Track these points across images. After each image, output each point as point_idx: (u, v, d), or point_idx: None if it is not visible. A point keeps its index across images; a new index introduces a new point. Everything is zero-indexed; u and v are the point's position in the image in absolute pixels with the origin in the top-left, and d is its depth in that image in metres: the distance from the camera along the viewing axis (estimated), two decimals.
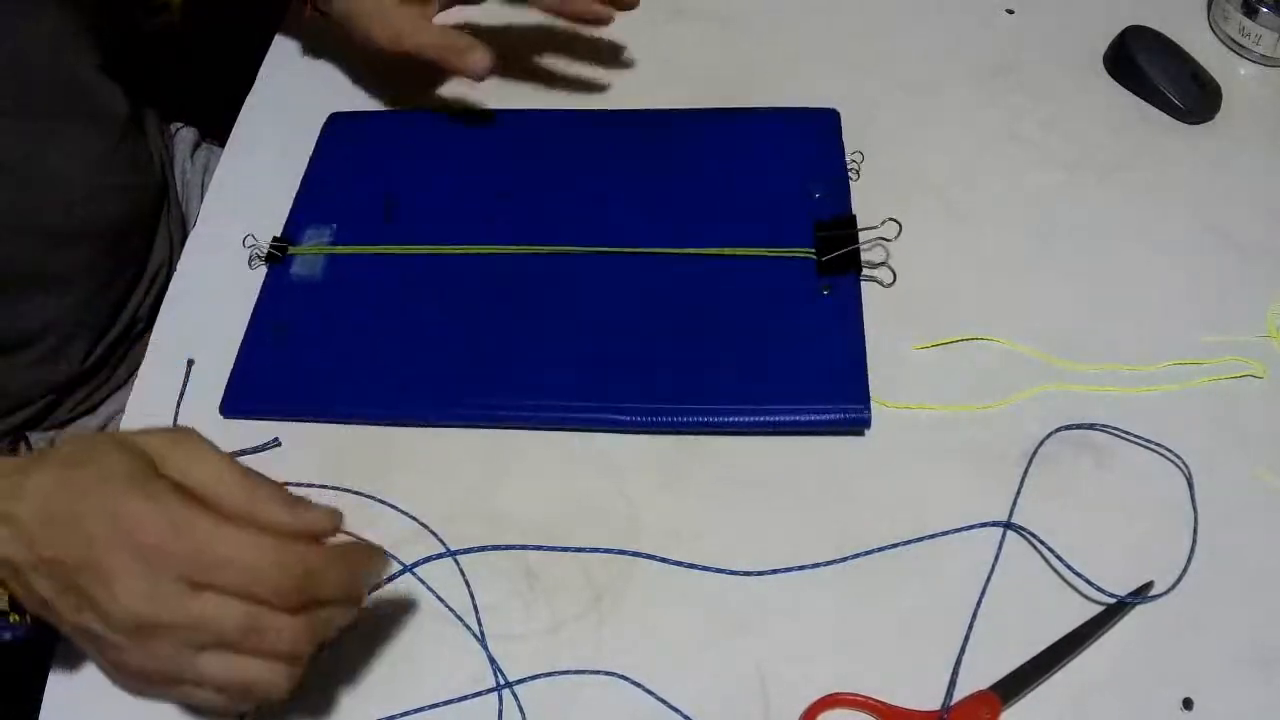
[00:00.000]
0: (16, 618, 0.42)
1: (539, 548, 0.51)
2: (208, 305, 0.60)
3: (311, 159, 0.65)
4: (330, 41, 0.74)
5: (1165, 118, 0.67)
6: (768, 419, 0.53)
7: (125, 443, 0.41)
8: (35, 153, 0.61)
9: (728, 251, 0.59)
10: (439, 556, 0.51)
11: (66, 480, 0.40)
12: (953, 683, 0.46)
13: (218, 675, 0.39)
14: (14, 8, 0.58)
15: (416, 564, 0.50)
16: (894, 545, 0.50)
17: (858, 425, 0.53)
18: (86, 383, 0.68)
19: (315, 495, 0.52)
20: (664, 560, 0.50)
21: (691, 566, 0.50)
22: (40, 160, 0.62)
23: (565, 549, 0.51)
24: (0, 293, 0.61)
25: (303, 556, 0.39)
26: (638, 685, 0.47)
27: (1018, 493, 0.52)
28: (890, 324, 0.57)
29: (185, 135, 0.80)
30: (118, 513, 0.38)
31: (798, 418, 0.53)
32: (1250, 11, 0.68)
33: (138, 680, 0.41)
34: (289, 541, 0.39)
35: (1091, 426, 0.54)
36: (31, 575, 0.40)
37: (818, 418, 0.53)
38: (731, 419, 0.53)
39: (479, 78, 0.61)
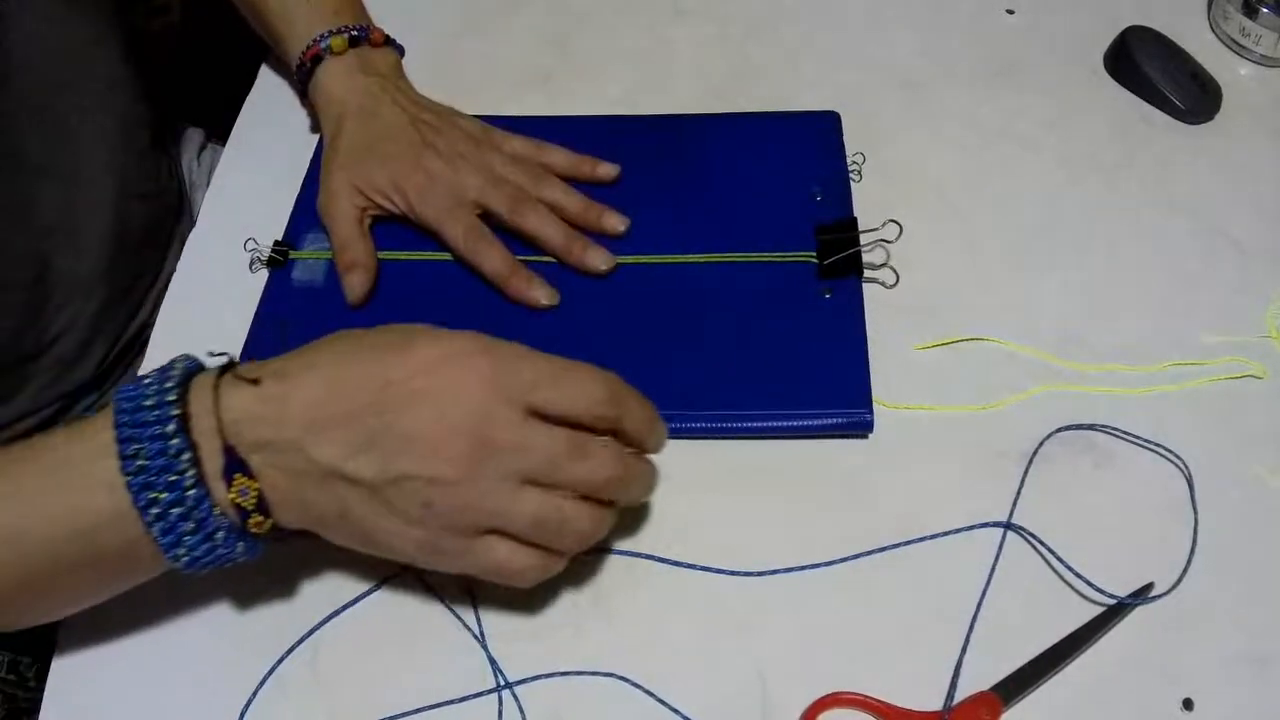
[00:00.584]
0: (260, 519, 0.41)
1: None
2: (208, 308, 0.60)
3: (312, 161, 0.65)
4: None
5: (1165, 118, 0.67)
6: (770, 424, 0.53)
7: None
8: (69, 155, 0.62)
9: (729, 256, 0.59)
10: None
11: (346, 347, 0.42)
12: (953, 683, 0.46)
13: (537, 512, 0.41)
14: (41, 10, 0.58)
15: None
16: (894, 545, 0.50)
17: (860, 429, 0.53)
18: (96, 389, 0.69)
19: None
20: (665, 561, 0.50)
21: (692, 567, 0.50)
22: (74, 162, 0.62)
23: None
24: (32, 296, 0.61)
25: (609, 378, 0.43)
26: (637, 686, 0.47)
27: (1018, 493, 0.52)
28: (891, 324, 0.57)
29: (191, 136, 0.80)
30: (422, 347, 0.41)
31: (800, 422, 0.53)
32: (1250, 11, 0.68)
33: (443, 532, 0.41)
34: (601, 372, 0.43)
35: (1091, 427, 0.54)
36: (312, 443, 0.40)
37: (820, 422, 0.53)
38: (734, 424, 0.53)
39: (353, 301, 0.58)
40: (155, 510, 0.40)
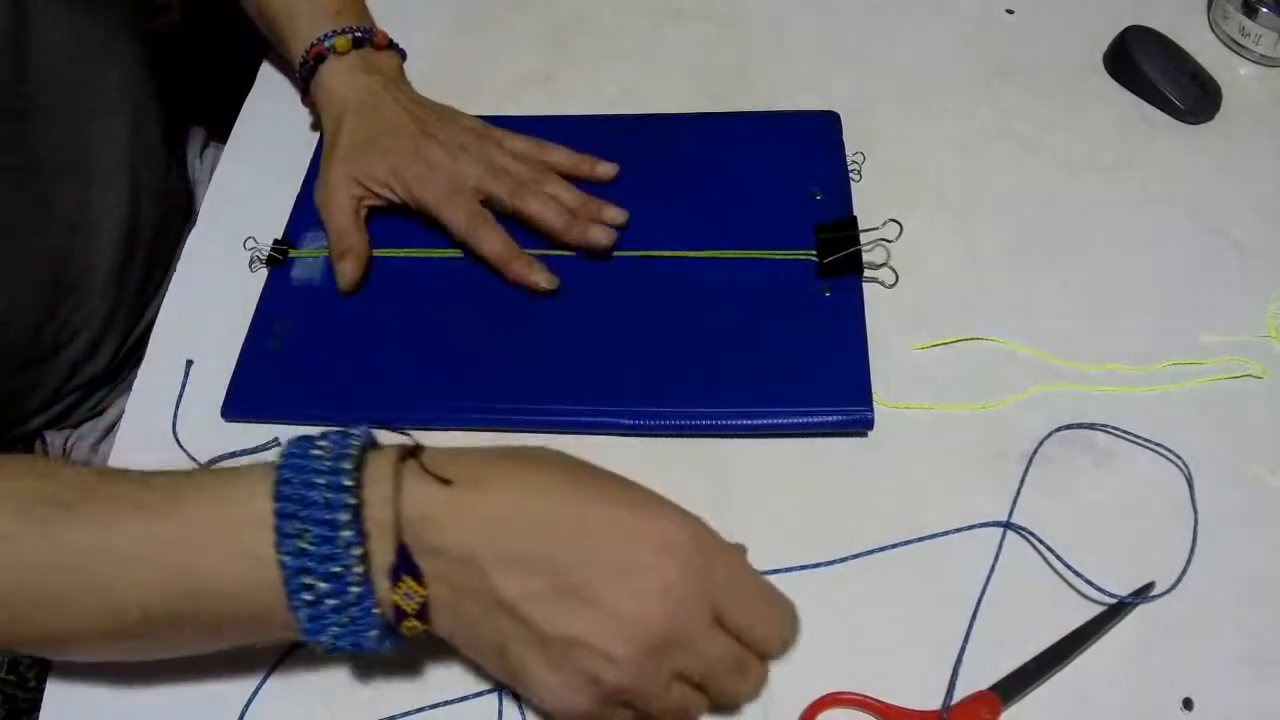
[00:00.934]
0: (414, 624, 0.39)
1: None
2: (208, 306, 0.60)
3: (312, 161, 0.65)
4: None
5: (1165, 118, 0.67)
6: (770, 421, 0.53)
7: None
8: (85, 153, 0.62)
9: (729, 254, 0.59)
10: None
11: (554, 477, 0.40)
12: (953, 683, 0.46)
13: (680, 702, 0.40)
14: (57, 9, 0.58)
15: None
16: (894, 545, 0.50)
17: (860, 427, 0.53)
18: (103, 385, 0.69)
19: None
20: None
21: None
22: (90, 161, 0.62)
23: None
24: (51, 295, 0.61)
25: (794, 615, 0.43)
26: None
27: (1018, 493, 0.52)
28: (890, 324, 0.57)
29: (193, 135, 0.80)
30: (640, 514, 0.39)
31: (800, 420, 0.53)
32: (1250, 11, 0.68)
33: (592, 703, 0.39)
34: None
35: (1091, 426, 0.54)
36: (496, 569, 0.37)
37: (820, 420, 0.53)
38: (733, 422, 0.53)
39: (344, 287, 0.58)
40: (308, 596, 0.37)
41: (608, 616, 0.37)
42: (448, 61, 0.72)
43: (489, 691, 0.47)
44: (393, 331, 0.57)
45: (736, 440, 0.54)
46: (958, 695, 0.46)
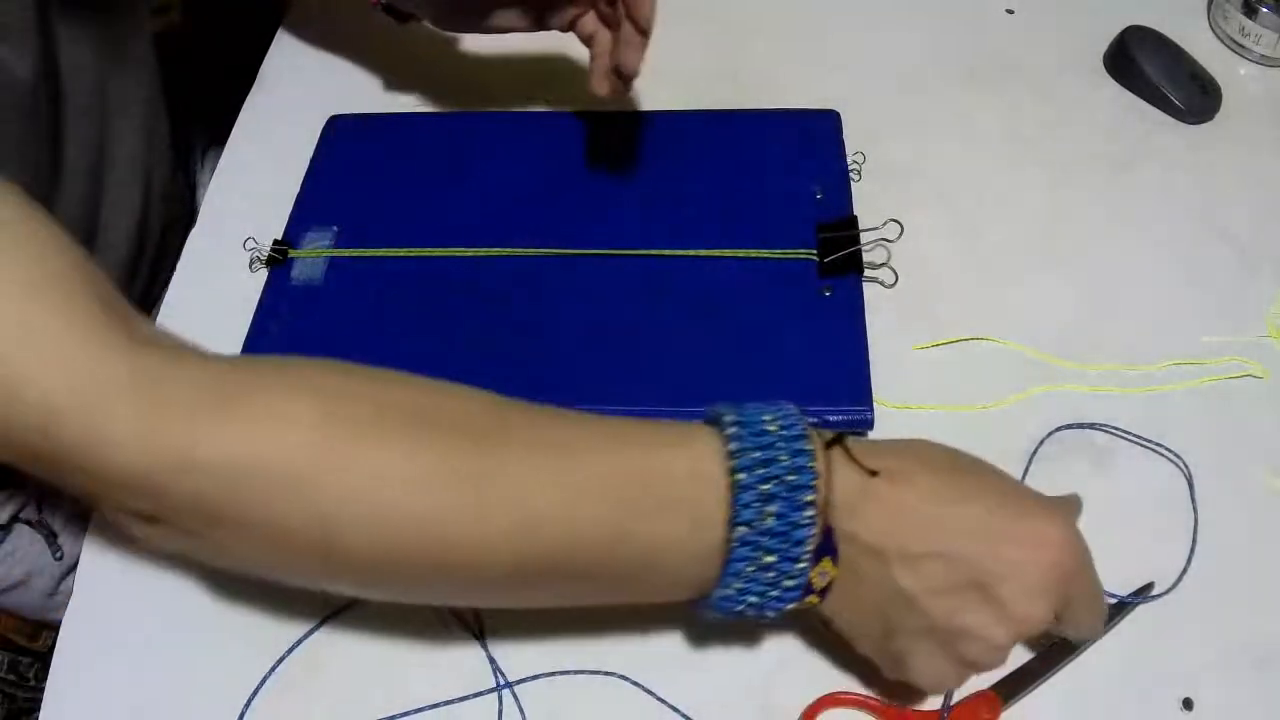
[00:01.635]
0: (814, 600, 0.40)
1: None
2: (208, 307, 0.60)
3: (312, 161, 0.65)
4: (331, 42, 0.74)
5: (1165, 118, 0.67)
6: None
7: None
8: (107, 155, 0.61)
9: (729, 253, 0.59)
10: None
11: (965, 479, 0.41)
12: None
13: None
14: (85, 10, 0.58)
15: None
16: None
17: (860, 427, 0.53)
18: None
19: None
20: None
21: None
22: (110, 162, 0.62)
23: None
24: None
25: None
26: (638, 685, 0.47)
27: None
28: (890, 324, 0.57)
29: (196, 137, 0.80)
30: (1036, 520, 0.40)
31: None
32: (1250, 11, 0.68)
33: (962, 672, 0.42)
34: None
35: (1092, 426, 0.54)
36: (901, 564, 0.39)
37: (820, 419, 0.53)
38: None
39: (616, 87, 0.54)
40: (749, 568, 0.38)
41: (999, 610, 0.39)
42: (448, 60, 0.72)
43: (489, 691, 0.47)
44: (394, 332, 0.57)
45: None
46: (958, 695, 0.46)
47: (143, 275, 0.67)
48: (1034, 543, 0.40)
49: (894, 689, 0.45)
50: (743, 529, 0.38)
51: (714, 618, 0.41)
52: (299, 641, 0.48)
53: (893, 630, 0.41)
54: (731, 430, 0.39)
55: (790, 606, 0.40)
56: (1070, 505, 0.43)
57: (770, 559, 0.38)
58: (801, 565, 0.39)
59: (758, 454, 0.38)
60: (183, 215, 0.72)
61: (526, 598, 0.43)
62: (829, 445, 0.40)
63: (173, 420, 0.35)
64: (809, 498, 0.38)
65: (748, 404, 0.41)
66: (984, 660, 0.41)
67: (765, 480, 0.38)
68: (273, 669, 0.48)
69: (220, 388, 0.36)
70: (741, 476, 0.38)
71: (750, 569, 0.38)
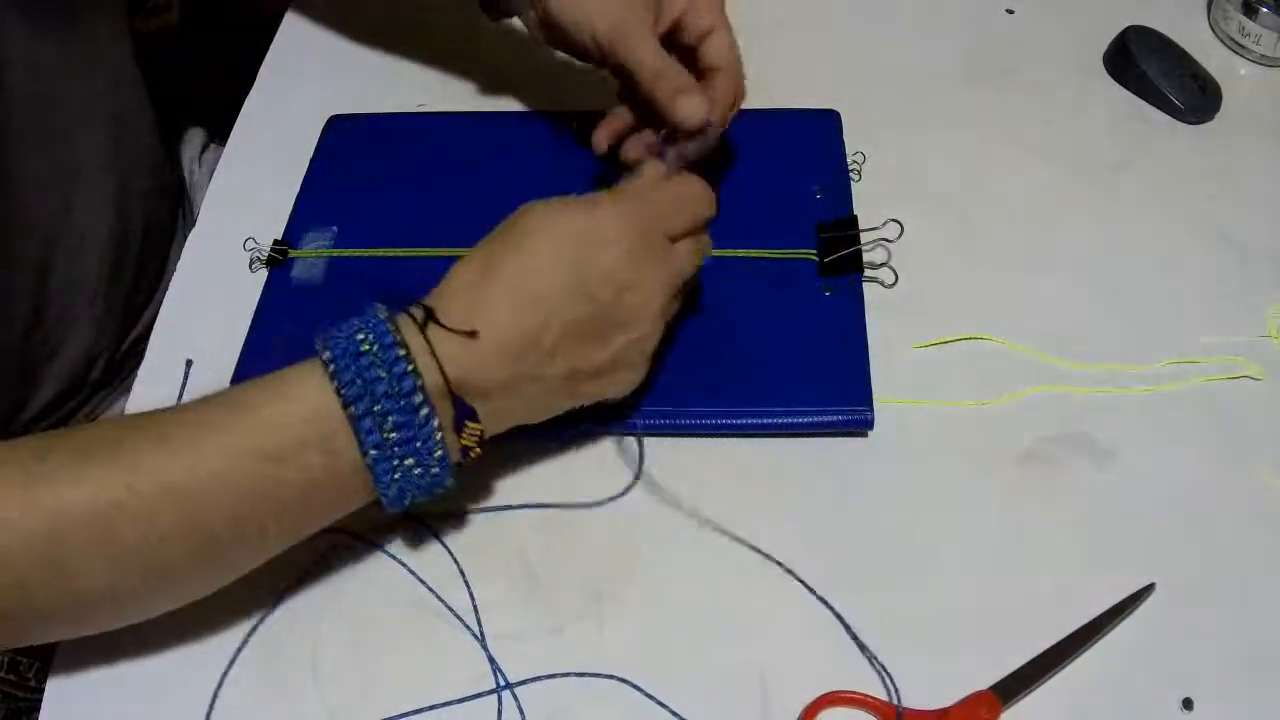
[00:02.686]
0: (478, 451, 0.44)
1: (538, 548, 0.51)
2: (208, 307, 0.60)
3: (312, 161, 0.65)
4: (331, 42, 0.74)
5: (1165, 118, 0.67)
6: (769, 421, 0.53)
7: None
8: (67, 160, 0.61)
9: (729, 253, 0.59)
10: (439, 557, 0.51)
11: (518, 264, 0.45)
12: (953, 682, 0.46)
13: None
14: (34, 17, 0.58)
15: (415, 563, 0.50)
16: (893, 544, 0.50)
17: (860, 427, 0.53)
18: (100, 389, 0.69)
19: None
20: (664, 561, 0.50)
21: (692, 566, 0.50)
22: (72, 166, 0.62)
23: (566, 549, 0.51)
24: (36, 302, 0.61)
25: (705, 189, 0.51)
26: (637, 688, 0.47)
27: (1017, 493, 0.52)
28: (890, 323, 0.57)
29: (192, 136, 0.80)
30: (586, 233, 0.46)
31: (800, 420, 0.53)
32: (1250, 11, 0.68)
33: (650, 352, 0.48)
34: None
35: (1091, 426, 0.54)
36: (539, 372, 0.45)
37: (820, 420, 0.53)
38: (733, 421, 0.53)
39: (686, 128, 0.54)
40: (394, 475, 0.43)
41: (630, 317, 0.46)
42: (448, 60, 0.72)
43: (489, 692, 0.47)
44: None
45: (736, 439, 0.54)
46: (958, 695, 0.46)
47: (125, 280, 0.67)
48: (595, 255, 0.45)
49: None
50: (374, 452, 0.42)
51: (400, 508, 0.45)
52: (300, 641, 0.48)
53: (574, 396, 0.47)
54: (331, 367, 0.42)
55: (454, 468, 0.44)
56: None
57: (409, 461, 0.42)
58: (438, 452, 0.43)
59: (359, 383, 0.42)
60: (170, 216, 0.72)
61: (240, 556, 0.45)
62: (423, 326, 0.43)
63: None
64: (419, 400, 0.42)
65: (340, 325, 0.44)
66: (651, 348, 0.48)
67: (375, 402, 0.42)
68: (273, 669, 0.48)
69: None
70: (352, 409, 0.42)
71: (397, 475, 0.43)
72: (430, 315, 0.43)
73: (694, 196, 0.50)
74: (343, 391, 0.42)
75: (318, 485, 0.43)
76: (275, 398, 0.43)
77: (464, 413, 0.43)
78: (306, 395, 0.42)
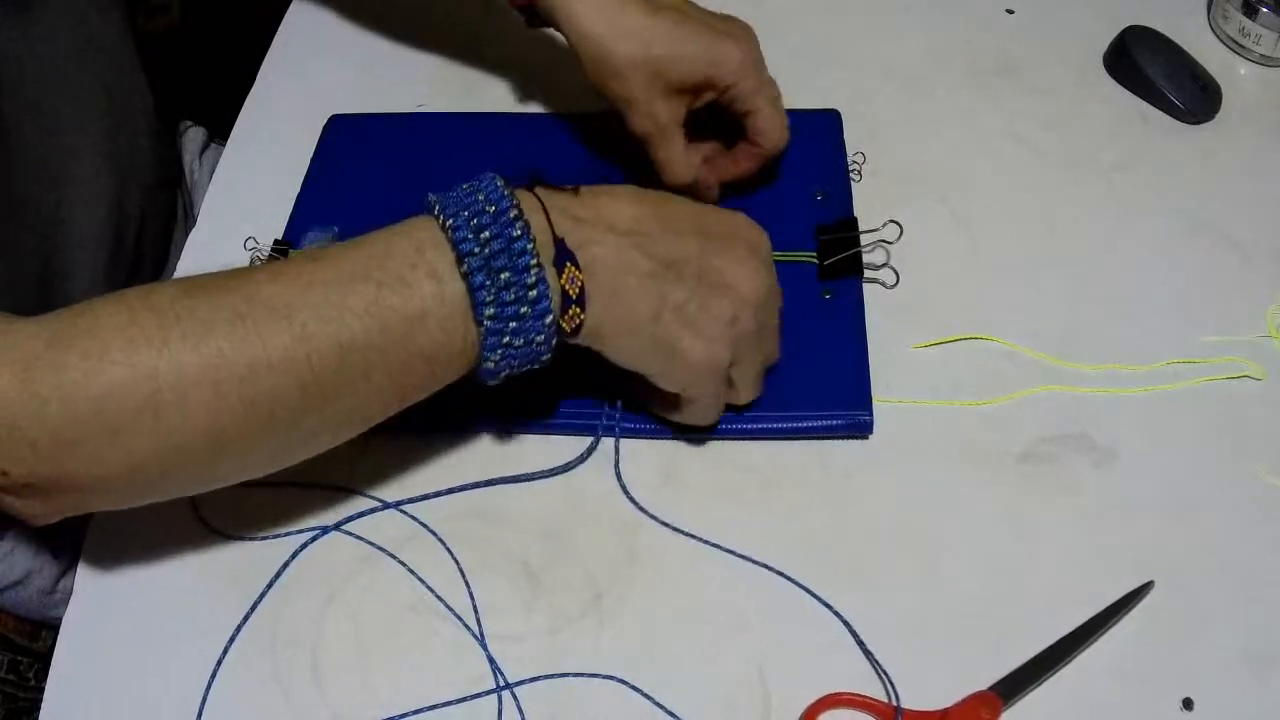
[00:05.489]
0: (577, 311, 0.44)
1: (540, 548, 0.51)
2: None
3: (312, 161, 0.65)
4: (331, 42, 0.74)
5: (1165, 118, 0.67)
6: (769, 425, 0.53)
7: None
8: (65, 151, 0.61)
9: None
10: (439, 557, 0.51)
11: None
12: (953, 682, 0.46)
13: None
14: (26, 16, 0.58)
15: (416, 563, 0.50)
16: (893, 545, 0.50)
17: (860, 431, 0.53)
18: None
19: (318, 497, 0.52)
20: (664, 562, 0.50)
21: (691, 567, 0.50)
22: (68, 161, 0.62)
23: (566, 550, 0.51)
24: (36, 291, 0.61)
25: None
26: (636, 689, 0.47)
27: (1017, 493, 0.52)
28: (889, 322, 0.57)
29: (194, 135, 0.80)
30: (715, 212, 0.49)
31: (799, 424, 0.53)
32: (1250, 11, 0.68)
33: (730, 348, 0.47)
34: None
35: (1091, 426, 0.54)
36: (647, 241, 0.45)
37: (820, 424, 0.53)
38: (732, 425, 0.53)
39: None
40: (491, 292, 0.42)
41: (739, 266, 0.47)
42: (448, 60, 0.72)
43: (489, 692, 0.47)
44: None
45: (735, 441, 0.54)
46: (958, 695, 0.46)
47: (123, 272, 0.67)
48: (726, 223, 0.49)
49: None
50: (470, 259, 0.42)
51: (504, 373, 0.45)
52: (300, 642, 0.48)
53: (659, 310, 0.45)
54: (437, 206, 0.44)
55: (552, 321, 0.43)
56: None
57: (505, 275, 0.42)
58: (534, 268, 0.42)
59: (461, 210, 0.43)
60: (169, 213, 0.72)
61: (356, 409, 0.45)
62: (532, 185, 0.45)
63: (13, 372, 0.40)
64: (512, 214, 0.43)
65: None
66: (745, 322, 0.47)
67: (473, 216, 0.43)
68: (273, 669, 0.48)
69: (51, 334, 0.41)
70: (450, 221, 0.43)
71: (490, 295, 0.42)
72: (539, 178, 0.45)
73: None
74: (444, 216, 0.43)
75: (421, 316, 0.42)
76: (386, 234, 0.44)
77: (563, 253, 0.43)
78: (414, 229, 0.44)
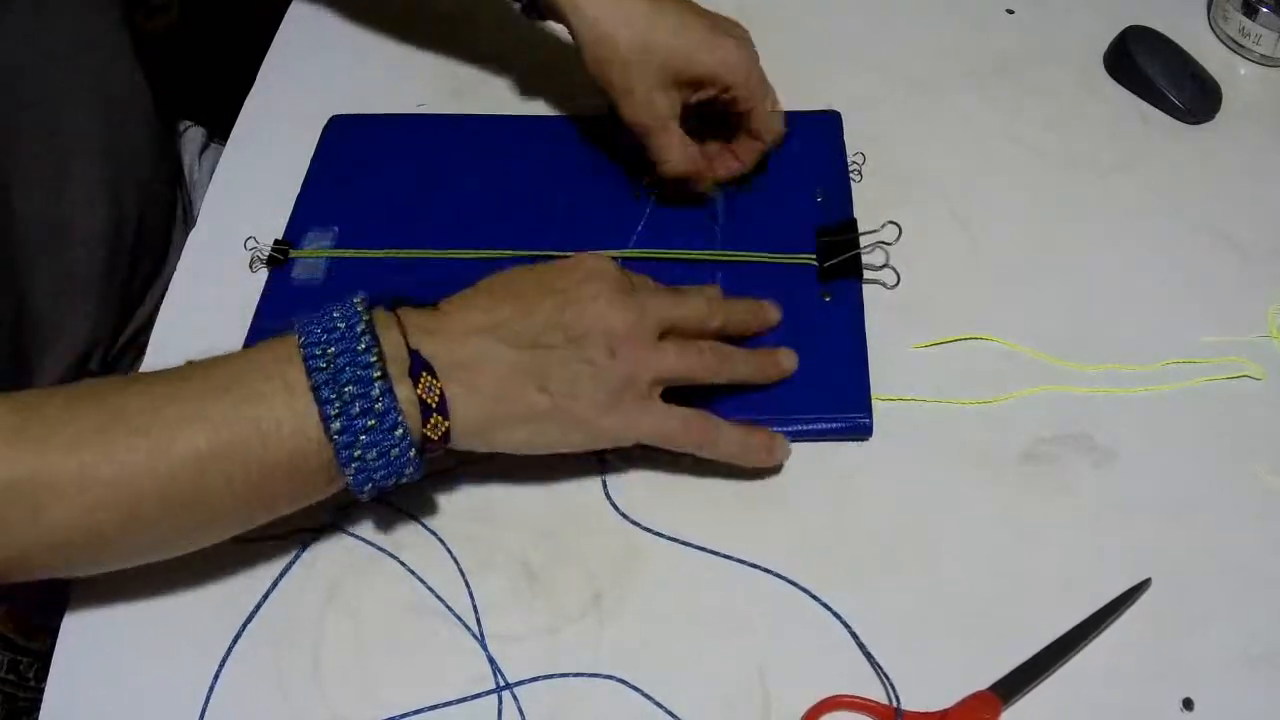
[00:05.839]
0: (439, 419, 0.44)
1: (538, 548, 0.51)
2: (208, 307, 0.60)
3: (313, 161, 0.65)
4: (331, 42, 0.74)
5: (1165, 118, 0.67)
6: (769, 427, 0.53)
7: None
8: (63, 149, 0.61)
9: (728, 256, 0.59)
10: (439, 557, 0.51)
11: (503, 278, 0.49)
12: (953, 682, 0.46)
13: (680, 350, 0.49)
14: (15, 17, 0.58)
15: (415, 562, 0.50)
16: (893, 545, 0.50)
17: (859, 433, 0.53)
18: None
19: None
20: (664, 563, 0.50)
21: (692, 567, 0.50)
22: (67, 157, 0.62)
23: (566, 550, 0.51)
24: (33, 291, 0.61)
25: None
26: (637, 689, 0.47)
27: (1017, 493, 0.52)
28: (889, 322, 0.57)
29: (193, 135, 0.80)
30: (572, 268, 0.49)
31: (799, 427, 0.53)
32: (1250, 11, 0.68)
33: (623, 390, 0.47)
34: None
35: (1091, 426, 0.54)
36: (504, 332, 0.46)
37: (819, 426, 0.53)
38: None
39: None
40: (337, 405, 0.43)
41: (593, 317, 0.47)
42: (448, 60, 0.72)
43: (489, 693, 0.47)
44: None
45: None
46: (958, 695, 0.46)
47: (122, 271, 0.67)
48: (583, 278, 0.48)
49: None
50: (317, 373, 0.43)
51: (369, 487, 0.45)
52: (300, 642, 0.48)
53: (543, 381, 0.46)
54: (297, 325, 0.45)
55: (404, 434, 0.44)
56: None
57: (350, 388, 0.43)
58: (378, 380, 0.43)
59: (316, 328, 0.44)
60: (167, 207, 0.72)
61: (226, 514, 0.46)
62: (393, 305, 0.46)
63: None
64: (360, 329, 0.44)
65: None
66: (624, 356, 0.47)
67: (325, 333, 0.44)
68: (274, 669, 0.48)
69: None
70: (304, 339, 0.44)
71: (336, 409, 0.43)
72: (403, 301, 0.46)
73: (702, 302, 0.52)
74: (301, 334, 0.44)
75: (276, 427, 0.43)
76: (250, 350, 0.47)
77: (417, 363, 0.44)
78: (275, 345, 0.45)
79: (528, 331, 0.46)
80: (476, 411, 0.45)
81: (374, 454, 0.43)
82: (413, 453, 0.44)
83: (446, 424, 0.44)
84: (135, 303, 0.69)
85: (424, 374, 0.44)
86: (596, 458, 0.53)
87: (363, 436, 0.43)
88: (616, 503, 0.52)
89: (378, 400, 0.43)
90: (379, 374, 0.43)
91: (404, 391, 0.44)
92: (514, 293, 0.47)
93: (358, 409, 0.43)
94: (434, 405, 0.44)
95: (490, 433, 0.47)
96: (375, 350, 0.43)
